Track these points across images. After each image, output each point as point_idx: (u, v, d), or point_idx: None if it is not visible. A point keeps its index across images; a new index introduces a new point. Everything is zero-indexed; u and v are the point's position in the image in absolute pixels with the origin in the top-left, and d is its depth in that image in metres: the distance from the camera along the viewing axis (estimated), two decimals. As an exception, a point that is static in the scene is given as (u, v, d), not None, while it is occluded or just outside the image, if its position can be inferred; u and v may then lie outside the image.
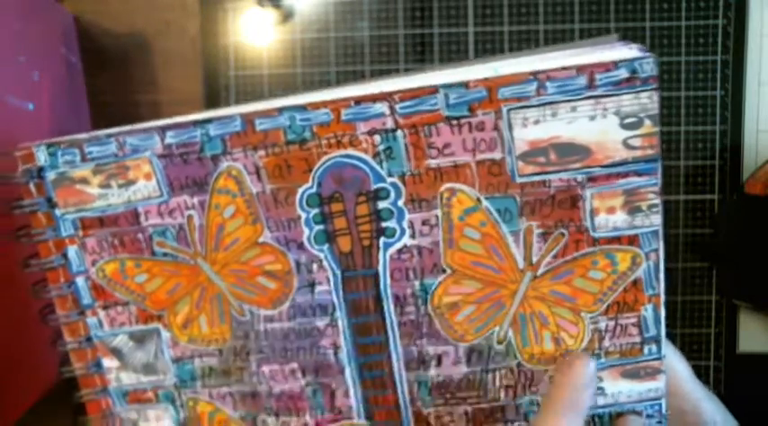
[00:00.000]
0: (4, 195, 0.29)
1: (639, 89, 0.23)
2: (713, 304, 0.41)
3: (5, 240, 0.33)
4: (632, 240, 0.25)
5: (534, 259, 0.26)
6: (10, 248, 0.33)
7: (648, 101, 0.23)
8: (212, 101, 0.41)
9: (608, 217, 0.25)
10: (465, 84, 0.24)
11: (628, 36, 0.43)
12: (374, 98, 0.25)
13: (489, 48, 0.40)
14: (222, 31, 0.42)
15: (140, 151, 0.27)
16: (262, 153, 0.26)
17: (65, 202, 0.27)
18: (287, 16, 0.41)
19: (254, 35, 0.42)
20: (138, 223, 0.27)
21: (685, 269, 0.44)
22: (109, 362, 0.29)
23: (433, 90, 0.24)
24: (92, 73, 0.44)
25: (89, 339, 0.29)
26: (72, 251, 0.28)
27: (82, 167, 0.27)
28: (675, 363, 0.28)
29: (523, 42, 0.41)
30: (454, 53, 0.40)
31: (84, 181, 0.27)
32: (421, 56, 0.40)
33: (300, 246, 0.27)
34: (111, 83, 0.44)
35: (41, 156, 0.27)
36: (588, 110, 0.24)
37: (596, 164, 0.25)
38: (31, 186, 0.28)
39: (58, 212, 0.28)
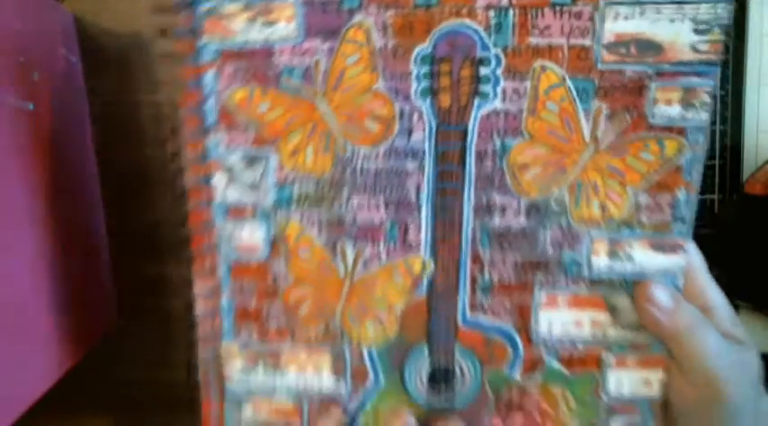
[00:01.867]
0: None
1: (716, 1, 0.29)
2: (713, 304, 0.44)
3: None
4: (681, 131, 0.31)
5: (599, 135, 0.31)
6: (11, 245, 0.35)
7: (722, 12, 0.29)
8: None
9: (665, 108, 0.31)
10: None
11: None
12: (497, -22, 0.30)
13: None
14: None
15: None
16: (392, 12, 0.31)
17: (211, 33, 0.32)
18: None
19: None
20: (271, 58, 0.32)
21: (685, 269, 0.44)
22: (219, 178, 0.34)
23: None
24: (92, 73, 0.44)
25: (206, 156, 0.34)
26: (210, 75, 0.33)
27: (232, 4, 0.32)
28: (691, 251, 0.34)
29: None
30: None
31: (232, 16, 0.32)
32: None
33: (407, 97, 0.32)
34: (111, 83, 0.44)
35: (198, -12, 0.32)
36: (670, 14, 0.29)
37: (666, 61, 0.30)
38: (183, 15, 0.32)
39: (203, 41, 0.32)
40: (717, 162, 0.42)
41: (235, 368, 0.37)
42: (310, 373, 0.37)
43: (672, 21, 0.29)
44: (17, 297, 0.35)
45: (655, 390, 0.34)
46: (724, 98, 0.42)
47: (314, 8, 0.31)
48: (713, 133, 0.42)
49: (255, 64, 0.32)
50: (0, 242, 0.34)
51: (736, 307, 0.44)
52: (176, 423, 0.49)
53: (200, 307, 0.36)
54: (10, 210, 0.35)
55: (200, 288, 0.36)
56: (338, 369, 0.36)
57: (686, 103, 0.31)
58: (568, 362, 0.34)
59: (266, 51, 0.32)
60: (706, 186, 0.43)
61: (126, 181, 0.48)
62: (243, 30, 0.32)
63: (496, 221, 0.33)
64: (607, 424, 0.35)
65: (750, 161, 0.43)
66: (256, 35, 0.32)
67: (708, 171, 0.43)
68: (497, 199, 0.33)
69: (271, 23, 0.32)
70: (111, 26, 0.44)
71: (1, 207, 0.34)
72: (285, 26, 0.32)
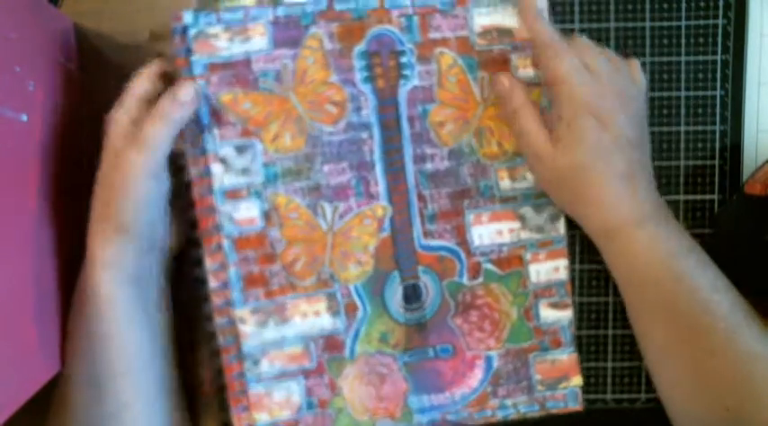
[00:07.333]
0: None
1: None
2: (713, 303, 0.41)
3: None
4: (537, 84, 0.47)
5: (486, 94, 0.46)
6: (6, 252, 0.35)
7: (541, 2, 0.46)
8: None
9: (524, 71, 0.46)
10: None
11: (628, 36, 0.45)
12: (403, -5, 0.44)
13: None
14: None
15: (259, 19, 0.43)
16: (336, 24, 0.43)
17: (200, 51, 0.42)
18: None
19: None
20: (250, 66, 0.43)
21: (686, 268, 0.42)
22: (216, 168, 0.43)
23: None
24: (91, 77, 0.44)
25: (204, 150, 0.43)
26: (201, 84, 0.42)
27: (216, 27, 0.42)
28: None
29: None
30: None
31: (216, 36, 0.42)
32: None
33: (353, 84, 0.44)
34: (111, 87, 0.44)
35: (188, 18, 0.42)
36: (511, 8, 0.45)
37: (517, 40, 0.46)
38: (177, 38, 0.42)
39: (193, 58, 0.42)
40: (717, 162, 0.42)
41: (249, 329, 0.44)
42: (312, 318, 0.45)
43: (512, 14, 0.46)
44: (10, 302, 0.36)
45: (563, 274, 0.48)
46: (724, 98, 0.42)
47: (279, 25, 0.43)
48: (713, 133, 0.42)
49: (238, 72, 0.43)
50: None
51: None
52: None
53: (212, 282, 0.43)
54: (3, 221, 0.35)
55: (210, 264, 0.43)
56: (333, 309, 0.45)
57: (536, 66, 0.47)
58: (499, 264, 0.47)
59: (246, 61, 0.43)
60: (706, 186, 0.43)
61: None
62: (226, 46, 0.42)
63: (429, 166, 0.46)
64: (537, 305, 0.48)
65: (750, 161, 0.42)
66: (237, 49, 0.43)
67: (708, 171, 0.43)
68: (427, 150, 0.46)
69: (247, 39, 0.43)
70: (111, 30, 0.44)
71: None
72: (259, 40, 0.43)
